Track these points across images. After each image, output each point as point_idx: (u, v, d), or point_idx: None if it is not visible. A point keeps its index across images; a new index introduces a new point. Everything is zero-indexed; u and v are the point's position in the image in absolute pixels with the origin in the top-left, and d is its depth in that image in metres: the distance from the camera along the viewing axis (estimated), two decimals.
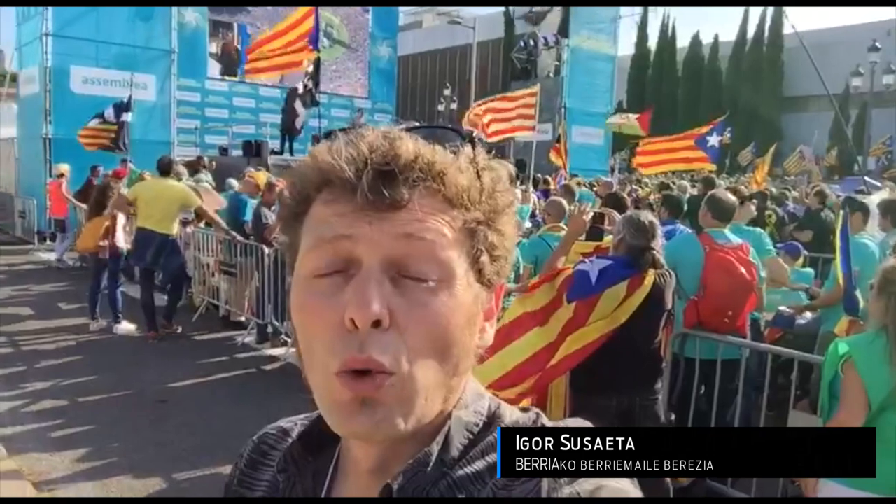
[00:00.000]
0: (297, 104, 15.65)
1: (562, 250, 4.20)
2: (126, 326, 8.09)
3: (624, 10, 31.10)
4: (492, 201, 0.73)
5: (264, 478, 0.87)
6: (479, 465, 0.72)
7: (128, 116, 11.66)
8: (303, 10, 12.42)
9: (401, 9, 31.18)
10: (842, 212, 5.00)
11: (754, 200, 8.69)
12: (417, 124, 0.83)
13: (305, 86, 14.86)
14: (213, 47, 22.45)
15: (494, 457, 0.72)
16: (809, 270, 6.89)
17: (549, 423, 0.74)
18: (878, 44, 26.91)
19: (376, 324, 0.66)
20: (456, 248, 0.70)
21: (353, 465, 0.78)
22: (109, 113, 11.73)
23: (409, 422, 0.68)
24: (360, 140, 0.70)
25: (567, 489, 0.65)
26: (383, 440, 0.70)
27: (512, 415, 0.77)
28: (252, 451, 0.91)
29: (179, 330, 8.22)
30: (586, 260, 3.69)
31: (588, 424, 0.73)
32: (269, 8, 21.60)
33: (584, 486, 0.66)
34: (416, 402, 0.68)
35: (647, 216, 3.77)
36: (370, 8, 25.19)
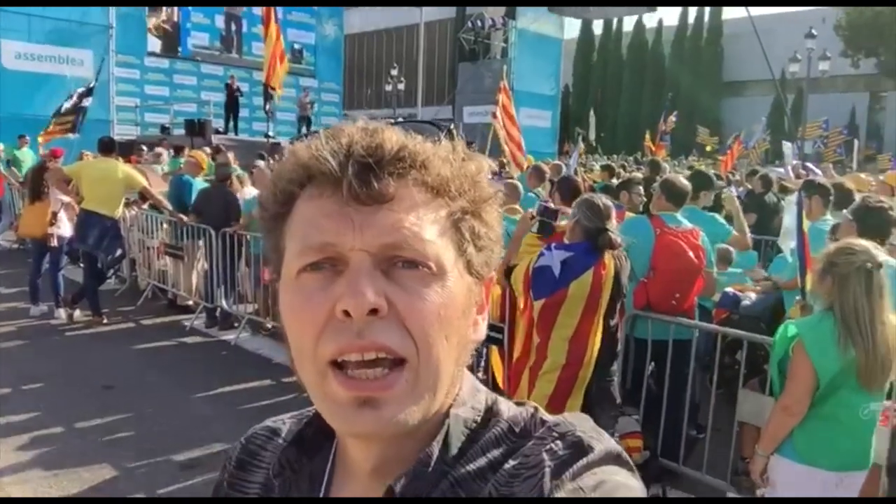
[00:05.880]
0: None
1: (511, 252, 4.24)
2: (68, 311, 7.86)
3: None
4: (475, 191, 0.72)
5: (256, 479, 0.85)
6: (480, 462, 0.72)
7: (88, 101, 11.26)
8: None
9: None
10: (793, 196, 5.08)
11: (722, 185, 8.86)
12: (393, 121, 0.81)
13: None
14: (152, 23, 21.83)
15: (495, 453, 0.72)
16: (753, 252, 7.09)
17: (547, 418, 0.74)
18: (814, 31, 27.68)
19: (373, 312, 0.65)
20: (443, 240, 0.69)
21: (352, 464, 0.76)
22: (72, 101, 11.36)
23: (416, 416, 0.68)
24: (341, 134, 0.69)
25: (569, 485, 0.65)
26: (389, 438, 0.69)
27: (509, 410, 0.77)
28: (241, 453, 0.89)
29: (76, 313, 7.86)
30: (545, 252, 3.69)
31: (587, 419, 0.74)
32: None
33: (587, 482, 0.66)
34: (424, 393, 0.68)
35: (601, 198, 3.83)
36: None
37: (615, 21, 50.14)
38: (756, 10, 11.12)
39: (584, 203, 3.78)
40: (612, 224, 3.74)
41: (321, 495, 0.79)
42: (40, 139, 11.80)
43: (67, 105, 11.51)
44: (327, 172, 0.67)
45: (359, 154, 0.67)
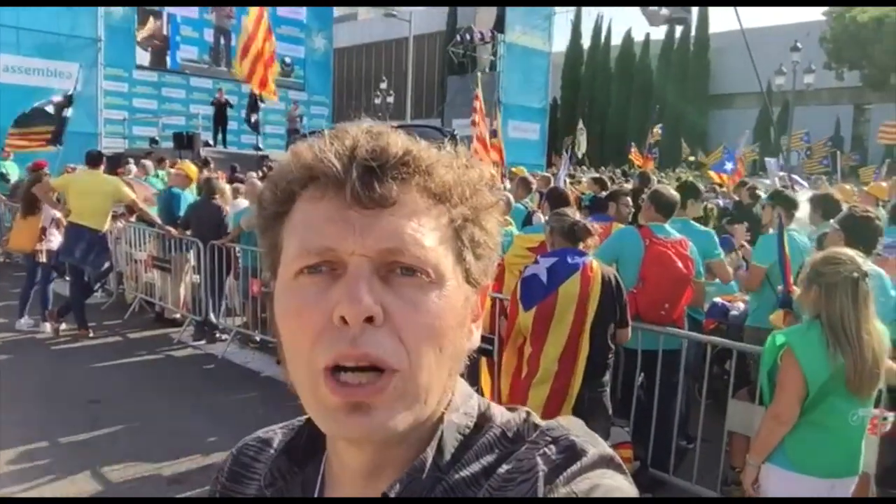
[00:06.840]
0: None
1: None
2: (54, 324, 7.79)
3: (558, 7, 31.64)
4: (477, 198, 0.72)
5: (248, 491, 0.85)
6: (473, 468, 0.71)
7: (69, 112, 11.08)
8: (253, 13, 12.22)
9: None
10: (774, 209, 5.14)
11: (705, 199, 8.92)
12: (397, 124, 0.81)
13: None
14: (141, 36, 21.83)
15: (488, 459, 0.71)
16: (740, 262, 7.12)
17: (540, 422, 0.74)
18: (799, 44, 27.96)
19: (369, 320, 0.64)
20: (443, 247, 0.68)
21: (344, 472, 0.76)
22: (49, 108, 11.08)
23: (406, 423, 0.67)
24: (346, 135, 0.69)
25: (563, 489, 0.65)
26: (378, 442, 0.69)
27: (502, 415, 0.76)
28: (232, 464, 0.88)
29: (62, 327, 7.83)
30: (532, 264, 3.77)
31: (580, 422, 0.73)
32: None
33: (581, 486, 0.65)
34: (413, 402, 0.67)
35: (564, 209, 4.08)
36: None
37: (603, 34, 50.50)
38: (744, 23, 11.17)
39: (550, 217, 4.06)
40: (578, 216, 4.00)
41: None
42: (7, 146, 11.55)
43: (34, 111, 11.09)
44: (331, 174, 0.66)
45: (363, 157, 0.66)
